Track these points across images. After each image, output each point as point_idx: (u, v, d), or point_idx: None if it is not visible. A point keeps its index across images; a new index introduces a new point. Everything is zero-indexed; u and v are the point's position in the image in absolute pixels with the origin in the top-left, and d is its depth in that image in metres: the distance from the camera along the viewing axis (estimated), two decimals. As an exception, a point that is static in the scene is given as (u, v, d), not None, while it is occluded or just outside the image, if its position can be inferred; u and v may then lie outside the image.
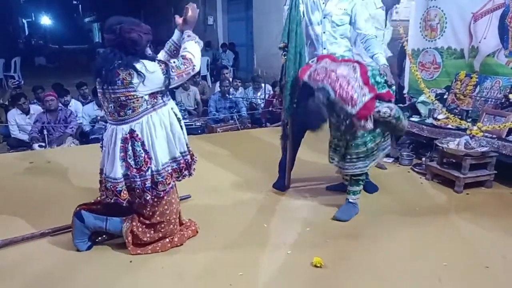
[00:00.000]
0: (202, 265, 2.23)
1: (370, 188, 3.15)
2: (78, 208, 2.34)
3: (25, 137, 5.18)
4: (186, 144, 2.36)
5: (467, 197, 3.13)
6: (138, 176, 2.18)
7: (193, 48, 2.27)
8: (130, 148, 2.17)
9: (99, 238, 2.42)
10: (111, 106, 2.16)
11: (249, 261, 2.27)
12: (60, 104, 5.35)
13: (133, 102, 2.13)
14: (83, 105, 5.90)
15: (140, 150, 2.17)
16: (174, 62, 2.20)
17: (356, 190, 2.78)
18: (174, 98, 6.72)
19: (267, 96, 6.55)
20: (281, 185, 3.21)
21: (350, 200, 2.80)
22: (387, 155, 3.88)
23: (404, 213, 2.85)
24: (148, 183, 2.20)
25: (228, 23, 11.99)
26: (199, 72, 9.39)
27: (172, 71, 2.17)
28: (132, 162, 2.17)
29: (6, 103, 6.21)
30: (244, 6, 10.64)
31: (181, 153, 2.32)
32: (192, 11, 2.35)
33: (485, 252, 2.36)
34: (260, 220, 2.74)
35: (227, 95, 6.27)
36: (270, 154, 3.62)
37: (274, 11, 7.80)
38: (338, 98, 2.39)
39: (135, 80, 2.08)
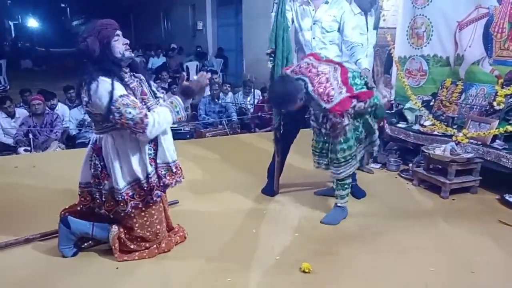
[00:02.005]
0: (190, 271, 2.21)
1: (358, 193, 3.17)
2: (64, 213, 2.30)
3: (10, 141, 5.08)
4: (154, 166, 2.18)
5: (453, 202, 3.17)
6: (98, 186, 2.18)
7: (162, 117, 2.05)
8: (93, 158, 2.16)
9: (85, 244, 2.38)
10: None
11: (237, 267, 2.25)
12: (46, 108, 5.27)
13: (92, 117, 2.12)
14: (70, 109, 5.83)
15: (98, 164, 2.14)
16: (128, 112, 1.97)
17: (343, 194, 2.78)
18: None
19: (256, 101, 6.57)
20: (270, 190, 3.21)
21: (338, 204, 2.81)
22: (375, 161, 3.93)
23: (391, 218, 2.87)
24: (105, 197, 2.17)
25: (217, 28, 12.01)
26: (188, 77, 9.42)
27: (117, 117, 1.97)
28: (94, 173, 2.17)
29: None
30: (234, 11, 10.70)
31: (146, 175, 2.15)
32: (198, 84, 2.18)
33: (470, 257, 2.39)
34: (249, 226, 2.73)
35: (216, 99, 6.27)
36: (259, 159, 3.62)
37: (263, 17, 7.83)
38: (315, 93, 2.45)
39: (85, 98, 2.03)
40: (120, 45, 2.09)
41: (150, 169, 2.16)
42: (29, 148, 4.83)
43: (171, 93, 6.73)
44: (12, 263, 2.27)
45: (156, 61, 11.42)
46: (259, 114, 6.04)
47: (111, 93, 1.97)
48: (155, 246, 2.32)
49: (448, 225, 2.79)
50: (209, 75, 2.24)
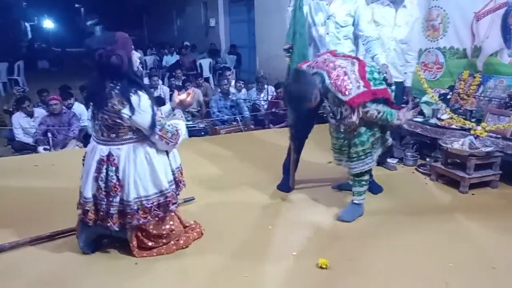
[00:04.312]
0: (208, 267, 2.24)
1: (375, 189, 3.14)
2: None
3: (29, 140, 5.20)
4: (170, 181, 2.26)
5: (473, 197, 3.12)
6: (105, 199, 2.16)
7: (183, 128, 2.26)
8: (104, 170, 2.14)
9: (105, 240, 2.41)
10: (97, 124, 2.15)
11: (254, 263, 2.26)
12: (64, 107, 5.37)
13: (119, 129, 2.11)
14: (87, 108, 5.91)
15: (112, 175, 2.13)
16: (168, 125, 2.15)
17: (360, 191, 2.76)
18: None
19: (270, 97, 6.56)
20: (286, 186, 3.21)
21: (355, 201, 2.79)
22: (391, 156, 3.88)
23: (409, 214, 2.84)
24: (113, 210, 2.16)
25: (230, 25, 12.01)
26: (201, 75, 9.48)
27: (159, 129, 2.11)
28: (103, 185, 2.15)
29: (11, 109, 6.24)
30: (246, 8, 10.67)
31: (159, 190, 2.20)
32: (191, 97, 2.37)
33: (491, 252, 2.35)
34: (265, 222, 2.74)
35: (226, 97, 6.29)
36: (273, 155, 3.62)
37: (276, 13, 7.81)
38: (332, 85, 2.44)
39: (125, 111, 2.03)
40: (136, 58, 2.16)
41: (171, 177, 2.27)
42: (48, 147, 4.93)
43: (185, 90, 6.81)
44: (34, 260, 2.32)
45: (170, 59, 11.50)
46: (273, 110, 6.03)
47: (152, 107, 2.10)
48: (173, 242, 2.35)
49: (468, 220, 2.74)
50: (196, 91, 2.43)
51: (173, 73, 8.78)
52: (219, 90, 6.65)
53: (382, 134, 2.72)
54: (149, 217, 2.20)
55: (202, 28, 13.18)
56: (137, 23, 21.44)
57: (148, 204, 2.18)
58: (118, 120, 2.07)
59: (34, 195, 3.23)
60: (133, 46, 2.15)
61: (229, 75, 7.64)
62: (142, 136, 2.14)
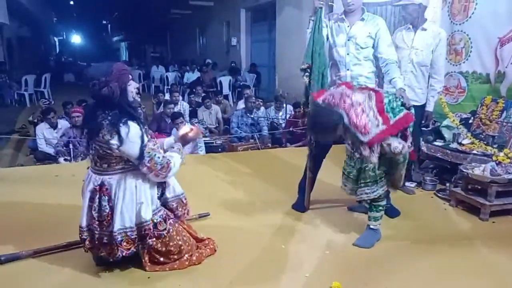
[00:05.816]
0: (219, 285, 2.22)
1: (392, 212, 3.08)
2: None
3: (51, 150, 5.32)
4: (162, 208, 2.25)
5: (493, 225, 3.02)
6: (98, 229, 2.17)
7: (177, 161, 2.21)
8: (97, 200, 2.16)
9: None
10: (91, 153, 2.19)
11: (266, 283, 2.24)
12: (86, 120, 5.50)
13: (110, 159, 2.13)
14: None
15: (105, 205, 2.14)
16: (157, 156, 2.10)
17: (377, 216, 2.70)
18: (196, 116, 6.88)
19: (288, 116, 6.58)
20: (301, 206, 3.19)
21: (371, 226, 2.73)
22: (410, 180, 3.82)
23: (427, 240, 2.77)
24: (106, 240, 2.16)
25: (251, 44, 12.20)
26: (221, 92, 9.60)
27: (147, 160, 2.08)
28: (96, 214, 2.15)
29: (36, 120, 6.42)
30: (267, 27, 10.84)
31: (146, 220, 2.18)
32: (194, 133, 2.39)
33: (512, 284, 2.27)
34: (278, 241, 2.71)
35: (248, 114, 6.35)
36: (290, 175, 3.61)
37: (296, 33, 7.91)
38: (351, 125, 2.40)
39: (114, 141, 2.04)
40: (132, 89, 2.19)
41: (155, 206, 2.23)
42: (68, 158, 5.04)
43: (204, 107, 6.84)
44: (48, 270, 2.34)
45: (191, 76, 11.72)
46: (291, 129, 6.04)
47: (142, 138, 2.09)
48: (185, 258, 2.35)
49: (488, 249, 2.66)
50: (202, 129, 2.41)
51: (194, 90, 8.93)
52: (242, 106, 6.73)
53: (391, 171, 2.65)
54: (132, 248, 2.18)
55: (223, 46, 13.43)
56: (161, 40, 22.02)
57: (133, 235, 2.16)
58: (108, 151, 2.09)
59: (53, 204, 3.29)
60: (131, 77, 2.20)
61: (247, 93, 7.72)
62: (134, 165, 2.13)
